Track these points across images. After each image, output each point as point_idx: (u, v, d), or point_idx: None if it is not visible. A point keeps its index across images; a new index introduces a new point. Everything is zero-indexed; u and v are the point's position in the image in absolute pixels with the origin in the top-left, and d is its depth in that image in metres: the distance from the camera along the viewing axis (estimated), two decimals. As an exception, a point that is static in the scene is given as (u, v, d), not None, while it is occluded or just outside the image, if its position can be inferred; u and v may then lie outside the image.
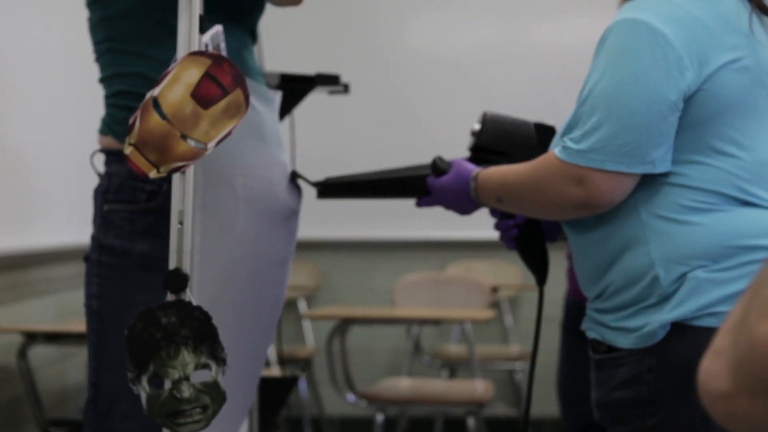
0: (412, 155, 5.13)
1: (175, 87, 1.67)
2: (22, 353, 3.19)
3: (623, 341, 1.58)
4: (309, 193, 2.05)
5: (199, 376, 1.66)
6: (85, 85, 3.88)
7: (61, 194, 3.77)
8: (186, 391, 1.65)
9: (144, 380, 1.65)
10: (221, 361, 1.67)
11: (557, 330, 3.39)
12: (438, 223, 5.16)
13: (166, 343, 1.65)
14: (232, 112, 1.68)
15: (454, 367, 4.93)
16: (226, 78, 1.68)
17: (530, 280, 4.93)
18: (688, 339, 1.51)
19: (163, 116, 1.65)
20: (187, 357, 1.66)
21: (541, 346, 5.27)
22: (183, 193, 1.71)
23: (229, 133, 1.69)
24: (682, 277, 1.53)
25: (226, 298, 1.88)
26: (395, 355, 5.24)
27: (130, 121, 1.68)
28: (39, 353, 3.42)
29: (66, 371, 3.84)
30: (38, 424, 3.29)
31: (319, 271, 5.31)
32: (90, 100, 3.82)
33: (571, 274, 3.44)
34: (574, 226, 1.67)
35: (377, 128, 5.33)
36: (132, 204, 1.94)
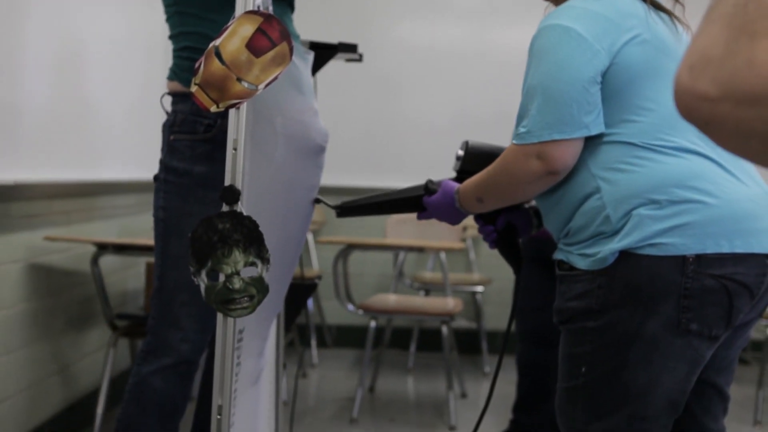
0: (397, 123, 5.13)
1: (234, 39, 1.62)
2: (95, 261, 3.15)
3: (581, 263, 1.57)
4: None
5: (248, 272, 1.63)
6: (148, 51, 3.82)
7: (126, 139, 3.72)
8: (237, 284, 1.62)
9: (203, 274, 1.62)
10: (266, 261, 1.64)
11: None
12: (420, 175, 5.14)
13: (221, 245, 1.61)
14: (279, 61, 1.63)
15: (428, 289, 4.92)
16: (275, 33, 1.63)
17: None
18: (632, 264, 1.51)
19: (223, 62, 1.60)
20: (238, 256, 1.62)
21: (498, 275, 5.28)
22: (237, 124, 1.66)
23: (275, 78, 1.64)
24: (628, 214, 1.51)
25: (267, 214, 1.83)
26: (383, 279, 5.22)
27: (196, 66, 1.63)
28: (107, 262, 3.39)
29: (128, 278, 3.81)
30: (106, 317, 3.26)
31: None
32: (149, 61, 3.77)
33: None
34: (543, 192, 1.67)
35: (369, 102, 5.27)
36: (193, 134, 1.90)
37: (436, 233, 4.33)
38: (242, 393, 1.88)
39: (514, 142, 1.60)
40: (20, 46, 2.81)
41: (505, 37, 5.28)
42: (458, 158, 1.86)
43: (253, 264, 1.63)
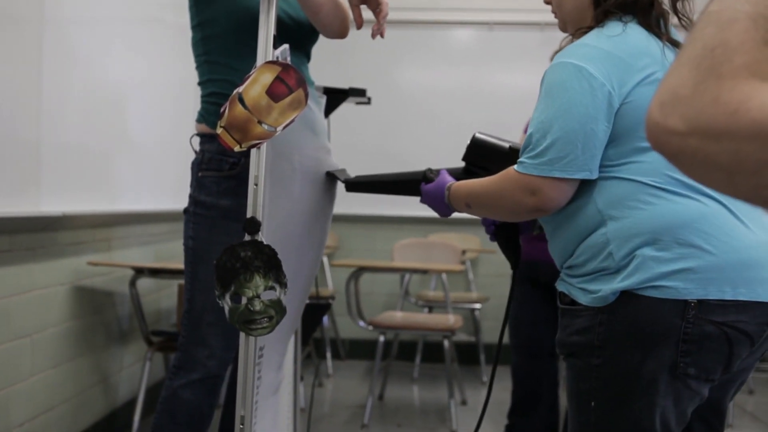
0: (400, 159, 5.11)
1: (255, 86, 1.61)
2: (133, 283, 3.13)
3: (583, 299, 1.41)
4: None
5: (267, 295, 1.61)
6: (179, 96, 3.82)
7: (160, 175, 3.71)
8: (257, 306, 1.60)
9: (227, 297, 1.60)
10: (284, 285, 1.62)
11: (505, 283, 3.31)
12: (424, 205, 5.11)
13: (243, 270, 1.59)
14: (295, 105, 1.62)
15: (431, 307, 4.87)
16: (292, 80, 1.62)
17: (487, 245, 4.86)
18: (633, 305, 1.35)
19: (245, 107, 1.59)
20: (258, 281, 1.60)
21: (495, 294, 5.21)
22: (258, 162, 1.65)
23: (292, 121, 1.62)
24: (631, 253, 1.35)
25: (285, 242, 1.82)
26: (390, 298, 5.19)
27: (221, 110, 1.62)
28: (144, 285, 3.37)
29: (161, 298, 3.78)
30: (142, 334, 3.24)
31: (338, 237, 5.24)
32: (180, 105, 3.77)
33: (523, 241, 3.36)
34: (548, 216, 1.50)
35: (376, 140, 5.26)
36: (219, 171, 1.89)
37: (438, 256, 4.30)
38: (263, 404, 1.85)
39: (516, 169, 1.44)
40: (67, 92, 2.81)
41: (498, 80, 5.28)
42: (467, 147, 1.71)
43: (272, 288, 1.61)
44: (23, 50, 2.51)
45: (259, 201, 1.63)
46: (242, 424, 1.63)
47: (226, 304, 1.59)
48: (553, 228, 1.50)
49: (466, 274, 5.21)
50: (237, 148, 1.60)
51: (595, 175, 1.39)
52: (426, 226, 5.15)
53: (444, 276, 4.51)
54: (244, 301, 1.59)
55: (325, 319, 4.92)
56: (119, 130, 3.32)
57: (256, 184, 1.64)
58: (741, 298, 1.33)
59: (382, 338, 3.85)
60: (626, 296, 1.35)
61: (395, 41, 5.25)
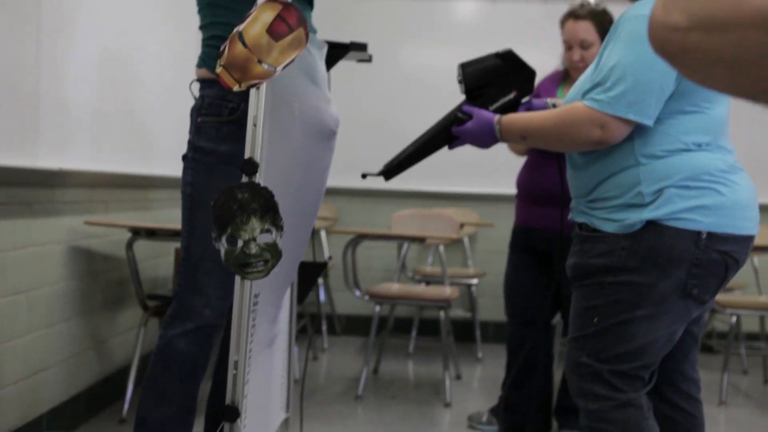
0: (399, 134, 5.05)
1: (255, 24, 1.57)
2: (130, 245, 3.08)
3: (607, 227, 1.61)
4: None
5: (263, 238, 1.57)
6: (182, 64, 3.77)
7: (161, 138, 3.66)
8: (253, 249, 1.57)
9: (224, 239, 1.56)
10: (280, 228, 1.58)
11: (503, 260, 3.30)
12: (422, 180, 5.07)
13: (240, 213, 1.56)
14: (296, 45, 1.58)
15: (428, 281, 4.83)
16: (293, 19, 1.58)
17: (485, 218, 4.78)
18: (656, 232, 1.56)
19: (245, 45, 1.55)
20: (255, 223, 1.57)
21: (492, 270, 5.14)
22: (257, 103, 1.61)
23: (292, 60, 1.58)
24: (660, 191, 1.57)
25: (285, 189, 1.78)
26: (387, 272, 5.15)
27: (221, 48, 1.58)
28: (140, 250, 3.32)
29: (158, 266, 3.74)
30: (138, 298, 3.19)
31: (336, 209, 5.20)
32: (184, 66, 3.72)
33: (517, 210, 3.32)
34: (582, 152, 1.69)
35: (377, 113, 5.20)
36: (218, 117, 1.84)
37: (436, 228, 4.26)
38: (257, 355, 1.82)
39: (586, 104, 1.60)
40: (68, 48, 2.77)
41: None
42: (460, 82, 1.84)
43: (268, 231, 1.57)
44: (23, 3, 2.46)
45: (257, 141, 1.59)
46: (236, 369, 1.60)
47: (222, 246, 1.56)
48: (586, 159, 1.67)
49: (463, 250, 5.18)
50: (236, 88, 1.56)
51: (652, 123, 1.57)
52: (424, 200, 5.12)
53: (441, 249, 4.47)
54: (240, 244, 1.56)
55: (322, 294, 4.89)
56: (121, 89, 3.27)
57: (255, 125, 1.60)
58: (739, 232, 1.59)
59: (378, 309, 3.82)
60: (650, 225, 1.57)
61: (397, 14, 5.20)
